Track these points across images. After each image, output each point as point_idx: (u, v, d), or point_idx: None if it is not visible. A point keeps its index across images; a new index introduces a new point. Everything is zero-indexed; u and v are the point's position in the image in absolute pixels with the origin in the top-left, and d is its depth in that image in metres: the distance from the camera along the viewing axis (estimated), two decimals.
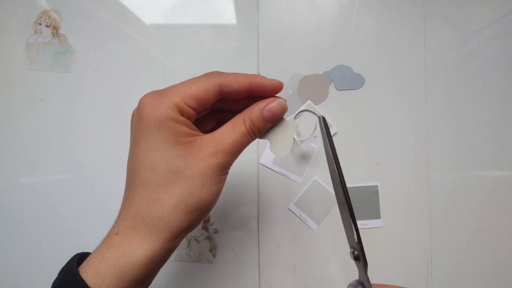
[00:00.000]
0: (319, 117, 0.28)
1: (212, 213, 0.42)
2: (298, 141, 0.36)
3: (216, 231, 0.41)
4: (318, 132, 0.28)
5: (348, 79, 0.43)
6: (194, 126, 0.25)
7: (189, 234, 0.41)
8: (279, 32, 0.44)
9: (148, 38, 0.43)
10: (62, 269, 0.23)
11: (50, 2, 0.43)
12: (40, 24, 0.43)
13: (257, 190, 0.42)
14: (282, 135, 0.28)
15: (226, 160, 0.24)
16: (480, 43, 0.44)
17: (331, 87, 0.43)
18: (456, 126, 0.43)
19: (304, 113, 0.43)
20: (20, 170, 0.41)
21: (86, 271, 0.21)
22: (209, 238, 0.41)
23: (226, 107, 0.28)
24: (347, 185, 0.43)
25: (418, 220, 0.42)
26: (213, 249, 0.41)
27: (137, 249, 0.22)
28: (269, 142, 0.28)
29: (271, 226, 0.42)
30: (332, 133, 0.27)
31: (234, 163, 0.26)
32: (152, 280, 0.24)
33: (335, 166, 0.26)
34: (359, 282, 0.30)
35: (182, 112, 0.24)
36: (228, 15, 0.44)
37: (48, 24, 0.43)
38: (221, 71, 0.26)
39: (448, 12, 0.44)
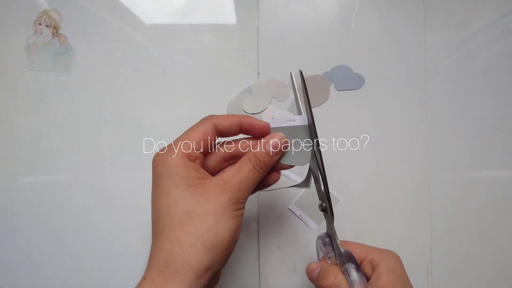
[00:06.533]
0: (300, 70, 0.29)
1: None
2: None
3: None
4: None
5: (348, 79, 0.43)
6: (202, 170, 0.27)
7: None
8: (279, 32, 0.44)
9: (148, 38, 0.43)
10: None
11: (50, 2, 0.43)
12: (40, 24, 0.43)
13: None
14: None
15: (236, 195, 0.26)
16: (480, 43, 0.44)
17: (331, 87, 0.43)
18: (456, 126, 0.43)
19: None
20: (20, 170, 0.41)
21: None
22: None
23: (239, 155, 0.30)
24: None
25: (418, 220, 0.42)
26: None
27: None
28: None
29: (271, 226, 0.42)
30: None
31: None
32: None
33: (311, 115, 0.28)
34: (327, 234, 0.31)
35: (189, 157, 0.26)
36: (228, 15, 0.44)
37: (48, 24, 0.43)
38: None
39: (448, 12, 0.44)
